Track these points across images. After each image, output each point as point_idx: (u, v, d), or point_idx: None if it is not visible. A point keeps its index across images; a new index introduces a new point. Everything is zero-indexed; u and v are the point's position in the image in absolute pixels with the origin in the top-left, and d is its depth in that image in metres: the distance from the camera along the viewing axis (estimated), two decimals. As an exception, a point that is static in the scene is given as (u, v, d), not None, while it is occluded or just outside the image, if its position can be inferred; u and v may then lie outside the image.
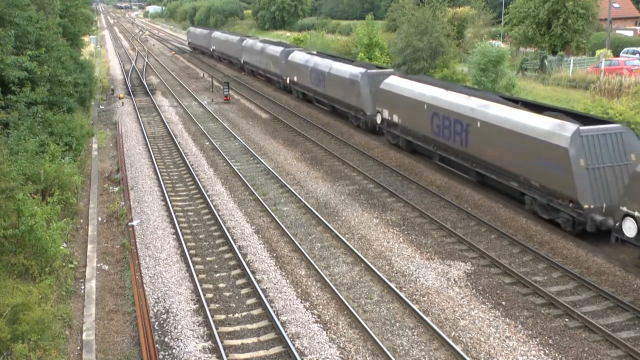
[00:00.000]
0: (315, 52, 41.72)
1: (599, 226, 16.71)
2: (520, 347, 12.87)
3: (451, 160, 23.26)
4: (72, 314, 14.11)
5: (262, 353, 12.87)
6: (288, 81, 42.17)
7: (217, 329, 13.61)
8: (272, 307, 14.49)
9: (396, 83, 27.38)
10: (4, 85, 21.22)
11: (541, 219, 19.15)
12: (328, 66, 34.62)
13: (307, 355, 12.73)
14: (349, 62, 35.24)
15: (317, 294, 15.26)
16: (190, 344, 13.18)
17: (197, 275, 16.07)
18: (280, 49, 44.92)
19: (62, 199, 18.50)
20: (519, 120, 19.42)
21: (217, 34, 67.32)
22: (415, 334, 13.49)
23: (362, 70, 31.07)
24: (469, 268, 16.47)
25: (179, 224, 19.63)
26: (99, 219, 20.43)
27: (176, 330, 13.71)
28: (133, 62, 67.19)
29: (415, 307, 14.29)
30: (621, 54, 45.88)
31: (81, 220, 20.08)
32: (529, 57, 47.86)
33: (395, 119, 26.95)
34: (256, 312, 14.53)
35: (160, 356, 12.77)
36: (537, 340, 13.15)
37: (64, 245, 16.78)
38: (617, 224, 15.69)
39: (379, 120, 28.74)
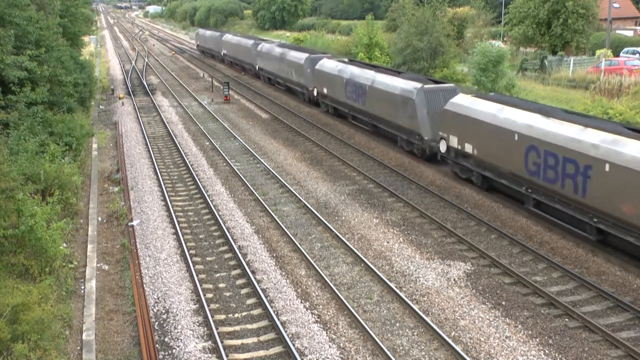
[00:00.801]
0: (347, 60, 36.19)
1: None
2: (520, 347, 12.87)
3: (556, 209, 18.25)
4: (72, 314, 14.11)
5: (262, 353, 12.87)
6: (315, 93, 36.79)
7: (217, 329, 13.61)
8: (272, 307, 14.49)
9: (469, 104, 22.05)
10: (4, 85, 21.22)
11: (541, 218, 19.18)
12: (370, 78, 29.33)
13: (307, 355, 12.74)
14: (395, 73, 29.64)
15: (317, 294, 15.27)
16: (190, 344, 13.18)
17: (197, 275, 16.07)
18: (304, 55, 39.20)
19: (62, 199, 18.50)
20: None
21: (228, 36, 61.19)
22: (415, 334, 13.49)
23: (417, 85, 25.75)
24: (469, 268, 16.47)
25: (179, 224, 19.63)
26: (99, 219, 20.44)
27: (176, 330, 13.71)
28: (133, 62, 67.19)
29: (415, 307, 14.30)
30: (621, 54, 45.88)
31: (81, 220, 20.08)
32: (529, 57, 47.88)
33: (468, 148, 21.76)
34: (256, 312, 14.53)
35: (160, 356, 12.77)
36: (537, 340, 13.16)
37: (64, 245, 16.78)
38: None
39: (443, 149, 23.38)
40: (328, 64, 34.84)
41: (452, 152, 22.72)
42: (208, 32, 71.97)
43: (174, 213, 20.54)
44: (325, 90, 34.77)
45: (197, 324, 13.97)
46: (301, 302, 14.84)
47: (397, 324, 13.87)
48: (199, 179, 24.34)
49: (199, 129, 33.88)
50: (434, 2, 45.01)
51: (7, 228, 14.06)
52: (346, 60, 36.58)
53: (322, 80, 35.26)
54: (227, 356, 12.66)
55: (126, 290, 15.58)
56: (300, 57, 39.41)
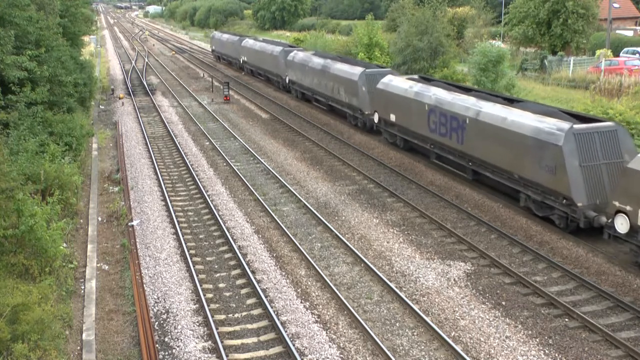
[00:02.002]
0: (425, 79, 27.61)
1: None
2: (520, 347, 12.87)
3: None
4: (72, 314, 14.11)
5: (262, 353, 12.87)
6: (377, 119, 28.78)
7: (217, 329, 13.61)
8: (272, 307, 14.49)
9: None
10: (4, 85, 21.21)
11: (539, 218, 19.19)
12: (470, 107, 21.96)
13: (307, 355, 12.73)
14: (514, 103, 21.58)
15: (317, 294, 15.26)
16: (190, 344, 13.18)
17: (197, 275, 16.07)
18: (357, 70, 31.18)
19: (62, 199, 18.49)
20: None
21: (249, 42, 53.43)
22: (415, 334, 13.49)
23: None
24: (469, 268, 16.47)
25: (179, 224, 19.63)
26: (99, 219, 20.43)
27: (176, 330, 13.71)
28: (133, 62, 67.18)
29: (415, 307, 14.30)
30: (621, 54, 45.89)
31: (81, 220, 20.08)
32: (529, 57, 47.88)
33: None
34: (256, 312, 14.53)
35: (160, 356, 12.77)
36: (537, 340, 13.15)
37: (64, 245, 16.78)
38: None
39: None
40: (398, 83, 27.02)
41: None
42: (225, 36, 64.09)
43: (174, 213, 20.54)
44: (393, 117, 27.07)
45: (197, 324, 13.97)
46: (301, 302, 14.84)
47: (397, 324, 13.87)
48: (199, 179, 24.34)
49: (199, 129, 33.88)
50: (434, 2, 45.00)
51: (7, 228, 14.05)
52: (421, 78, 28.24)
53: (388, 103, 27.27)
54: (227, 356, 12.66)
55: (126, 290, 15.58)
56: (352, 72, 31.62)
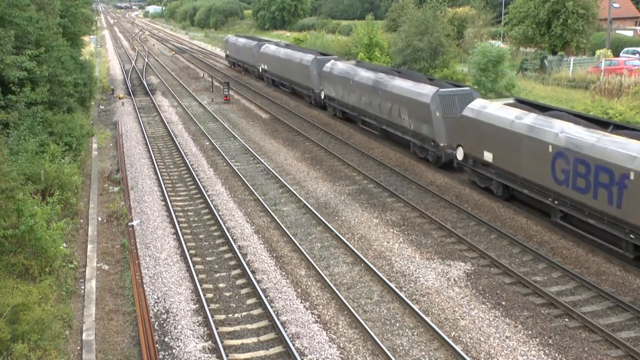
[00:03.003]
0: (565, 112, 20.11)
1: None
2: (520, 347, 12.87)
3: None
4: (72, 314, 14.11)
5: (262, 353, 12.87)
6: (488, 158, 21.03)
7: (217, 329, 13.61)
8: (272, 307, 14.49)
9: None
10: (4, 85, 21.21)
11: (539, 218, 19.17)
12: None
13: (307, 355, 12.73)
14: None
15: (317, 294, 15.26)
16: (190, 344, 13.18)
17: (197, 275, 16.07)
18: (430, 89, 24.51)
19: (62, 199, 18.49)
20: None
21: (270, 48, 46.66)
22: (415, 334, 13.49)
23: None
24: (469, 268, 16.47)
25: (179, 224, 19.63)
26: (99, 219, 20.43)
27: (176, 330, 13.71)
28: (133, 62, 67.19)
29: (415, 307, 14.29)
30: (621, 54, 45.89)
31: (81, 220, 20.08)
32: (529, 57, 47.88)
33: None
34: (256, 312, 14.52)
35: (160, 356, 12.77)
36: (537, 340, 13.15)
37: (64, 245, 16.78)
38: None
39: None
40: (497, 112, 20.72)
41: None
42: (241, 41, 56.73)
43: (174, 213, 20.54)
44: (488, 157, 20.90)
45: (197, 324, 13.97)
46: (301, 302, 14.84)
47: (397, 324, 13.87)
48: (199, 179, 24.34)
49: (199, 129, 33.88)
50: (434, 2, 45.02)
51: (7, 228, 14.05)
52: (521, 102, 22.18)
53: (481, 137, 21.04)
54: (227, 356, 12.66)
55: (126, 290, 15.58)
56: (420, 91, 24.93)
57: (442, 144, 23.72)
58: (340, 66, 33.58)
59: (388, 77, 28.27)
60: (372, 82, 28.99)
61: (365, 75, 30.30)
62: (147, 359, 12.49)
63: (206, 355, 12.79)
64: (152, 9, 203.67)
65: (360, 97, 30.44)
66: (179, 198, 22.57)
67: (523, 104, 21.73)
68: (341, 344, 13.10)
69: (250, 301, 15.02)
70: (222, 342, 13.11)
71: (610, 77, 35.18)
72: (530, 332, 13.44)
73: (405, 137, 26.59)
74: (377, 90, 28.37)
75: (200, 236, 19.08)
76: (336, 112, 34.71)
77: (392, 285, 15.40)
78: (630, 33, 57.88)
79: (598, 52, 45.69)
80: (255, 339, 13.41)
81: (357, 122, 32.10)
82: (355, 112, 31.68)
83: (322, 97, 36.17)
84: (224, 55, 64.44)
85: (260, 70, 49.17)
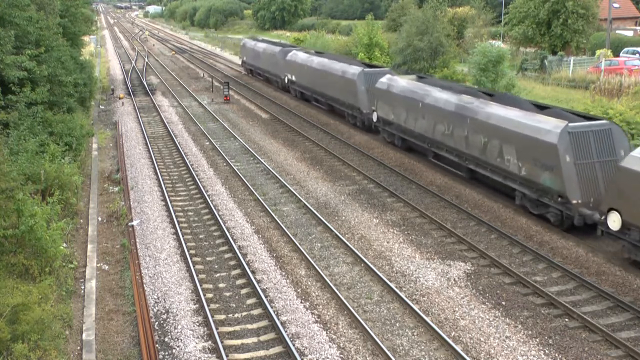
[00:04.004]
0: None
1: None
2: (520, 347, 12.87)
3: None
4: (72, 314, 14.11)
5: (262, 353, 12.87)
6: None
7: (217, 329, 13.61)
8: (272, 307, 14.49)
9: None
10: (4, 86, 21.21)
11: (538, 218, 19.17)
12: None
13: (307, 355, 12.73)
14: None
15: (317, 294, 15.26)
16: (190, 344, 13.18)
17: (197, 275, 16.07)
18: (558, 122, 18.40)
19: (62, 199, 18.49)
20: None
21: (299, 56, 40.16)
22: (415, 334, 13.49)
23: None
24: (469, 268, 16.47)
25: (179, 224, 19.63)
26: (99, 219, 20.43)
27: (176, 330, 13.71)
28: (133, 62, 67.19)
29: (415, 307, 14.29)
30: (621, 54, 45.89)
31: (81, 220, 20.08)
32: (529, 57, 47.89)
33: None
34: (256, 312, 14.52)
35: (160, 356, 12.77)
36: (537, 340, 13.15)
37: (64, 245, 16.77)
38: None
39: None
40: None
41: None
42: (261, 46, 49.79)
43: (174, 213, 20.54)
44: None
45: (197, 324, 13.97)
46: (301, 302, 14.84)
47: (397, 324, 13.87)
48: (199, 179, 24.34)
49: (199, 129, 33.88)
50: (434, 2, 45.03)
51: (7, 228, 14.05)
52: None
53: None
54: (227, 356, 12.66)
55: (126, 290, 15.58)
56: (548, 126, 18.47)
57: (574, 201, 17.66)
58: (402, 84, 27.12)
59: (478, 101, 22.06)
60: (455, 107, 22.86)
61: (441, 97, 23.95)
62: (147, 359, 12.49)
63: (206, 355, 12.79)
64: (152, 9, 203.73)
65: (433, 124, 24.19)
66: (179, 198, 22.56)
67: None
68: (341, 344, 13.10)
69: (250, 301, 15.02)
70: (222, 342, 13.11)
71: (610, 77, 35.17)
72: (530, 332, 13.44)
73: (508, 184, 20.39)
74: (479, 125, 21.24)
75: (200, 236, 19.08)
76: (394, 140, 27.99)
77: (392, 285, 15.40)
78: (630, 33, 57.88)
79: (598, 52, 45.70)
80: (255, 339, 13.41)
81: (427, 155, 25.54)
82: (425, 143, 25.21)
83: (375, 119, 29.24)
84: (240, 62, 57.67)
85: (286, 81, 42.83)
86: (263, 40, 54.51)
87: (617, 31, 57.86)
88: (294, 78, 41.21)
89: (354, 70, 31.72)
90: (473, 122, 21.55)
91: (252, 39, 57.82)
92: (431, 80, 28.13)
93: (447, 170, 24.22)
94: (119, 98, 43.84)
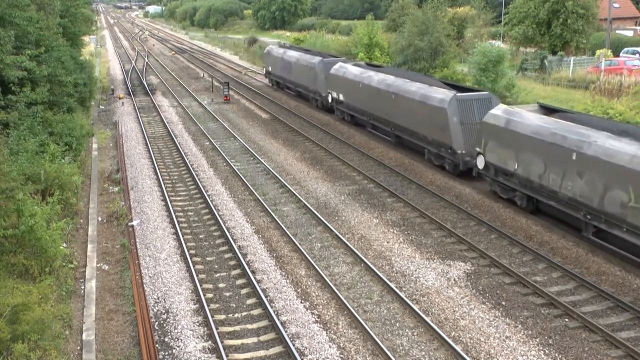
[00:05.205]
0: None
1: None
2: (520, 347, 12.87)
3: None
4: (72, 314, 14.11)
5: (262, 353, 12.87)
6: None
7: (217, 329, 13.61)
8: (272, 307, 14.49)
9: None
10: (4, 85, 21.21)
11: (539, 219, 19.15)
12: None
13: (307, 355, 12.73)
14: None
15: (317, 294, 15.26)
16: (190, 344, 13.18)
17: (197, 275, 16.07)
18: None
19: (62, 199, 18.49)
20: None
21: (351, 71, 32.41)
22: (415, 334, 13.49)
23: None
24: (469, 268, 16.47)
25: (179, 224, 19.63)
26: (99, 219, 20.43)
27: (176, 330, 13.71)
28: (133, 62, 67.18)
29: (415, 307, 14.29)
30: (621, 54, 45.88)
31: (81, 220, 20.08)
32: (529, 57, 47.88)
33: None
34: (256, 312, 14.52)
35: (160, 356, 12.77)
36: (537, 340, 13.15)
37: (64, 245, 16.77)
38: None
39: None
40: None
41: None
42: (292, 55, 41.86)
43: (174, 213, 20.53)
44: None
45: (197, 324, 13.97)
46: (301, 302, 14.84)
47: (397, 324, 13.87)
48: (199, 179, 24.34)
49: (199, 129, 33.88)
50: (434, 2, 45.03)
51: (7, 228, 14.06)
52: None
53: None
54: (227, 356, 12.66)
55: (126, 290, 15.58)
56: None
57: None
58: (527, 122, 19.33)
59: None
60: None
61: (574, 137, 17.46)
62: (147, 359, 12.49)
63: (206, 355, 12.79)
64: (152, 9, 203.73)
65: (569, 179, 17.51)
66: (179, 198, 22.56)
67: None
68: (341, 344, 13.10)
69: (250, 301, 15.02)
70: (222, 342, 13.11)
71: (610, 77, 35.16)
72: (530, 332, 13.44)
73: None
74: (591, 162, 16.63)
75: (200, 236, 19.08)
76: (520, 198, 20.01)
77: (392, 285, 15.40)
78: (630, 33, 57.86)
79: (598, 52, 45.68)
80: (255, 339, 13.41)
81: (540, 208, 19.77)
82: (544, 196, 18.73)
83: (483, 164, 21.08)
84: (264, 72, 49.65)
85: (330, 99, 35.12)
86: (292, 47, 46.98)
87: (617, 31, 57.84)
88: (341, 97, 33.22)
89: (444, 96, 23.36)
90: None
91: (280, 45, 49.47)
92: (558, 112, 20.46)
93: (446, 170, 24.23)
94: (119, 98, 43.83)
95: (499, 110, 20.94)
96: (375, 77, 29.80)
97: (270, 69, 46.95)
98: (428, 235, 18.74)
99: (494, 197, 21.32)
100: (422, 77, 28.84)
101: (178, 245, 18.19)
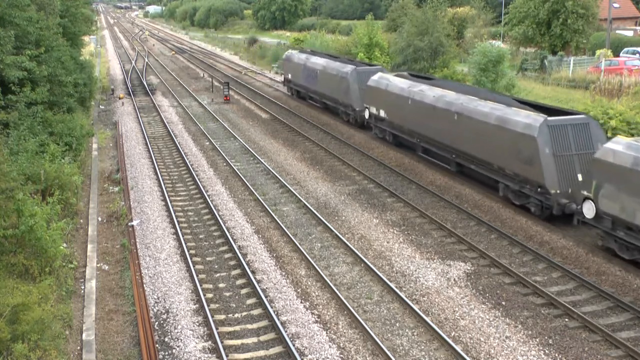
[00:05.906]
0: None
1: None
2: (520, 347, 12.87)
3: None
4: (72, 314, 14.11)
5: (262, 353, 12.87)
6: None
7: (217, 329, 13.61)
8: (272, 307, 14.49)
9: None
10: (4, 86, 21.21)
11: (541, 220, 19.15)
12: None
13: (307, 355, 12.73)
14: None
15: (317, 294, 15.26)
16: (190, 344, 13.18)
17: (197, 275, 16.07)
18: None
19: (62, 199, 18.49)
20: None
21: (396, 84, 27.91)
22: (415, 334, 13.49)
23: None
24: (469, 268, 16.46)
25: (179, 224, 19.63)
26: (99, 219, 20.43)
27: (176, 330, 13.71)
28: (133, 62, 67.19)
29: (415, 307, 14.29)
30: (621, 54, 45.88)
31: (81, 220, 20.08)
32: (529, 57, 47.88)
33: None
34: (256, 312, 14.52)
35: (160, 356, 12.77)
36: (537, 340, 13.15)
37: (64, 245, 16.77)
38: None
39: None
40: None
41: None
42: (318, 62, 37.28)
43: (174, 213, 20.53)
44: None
45: (197, 324, 13.97)
46: (301, 302, 14.84)
47: (397, 324, 13.87)
48: (199, 179, 24.34)
49: (199, 129, 33.88)
50: (434, 2, 45.04)
51: (7, 228, 14.05)
52: None
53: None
54: (227, 356, 12.66)
55: (126, 290, 15.58)
56: None
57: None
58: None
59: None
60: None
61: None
62: (147, 359, 12.49)
63: (206, 355, 12.79)
64: (152, 9, 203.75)
65: None
66: (179, 198, 22.56)
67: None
68: (341, 344, 13.10)
69: (250, 301, 15.02)
70: (222, 342, 13.11)
71: (610, 77, 35.15)
72: (530, 332, 13.44)
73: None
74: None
75: (200, 236, 19.08)
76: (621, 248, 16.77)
77: (392, 285, 15.40)
78: (630, 33, 57.87)
79: (598, 52, 45.68)
80: (255, 339, 13.41)
81: None
82: None
83: (591, 215, 16.92)
84: (283, 80, 45.07)
85: (367, 115, 30.56)
86: (317, 53, 42.27)
87: (617, 31, 57.85)
88: (382, 114, 28.84)
89: (528, 119, 19.38)
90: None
91: (301, 51, 45.12)
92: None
93: (447, 170, 24.22)
94: (119, 98, 43.84)
95: (619, 145, 16.20)
96: (430, 93, 24.96)
97: (289, 76, 42.28)
98: (428, 235, 18.74)
99: (589, 248, 17.29)
100: (489, 94, 24.06)
101: (178, 245, 18.19)
